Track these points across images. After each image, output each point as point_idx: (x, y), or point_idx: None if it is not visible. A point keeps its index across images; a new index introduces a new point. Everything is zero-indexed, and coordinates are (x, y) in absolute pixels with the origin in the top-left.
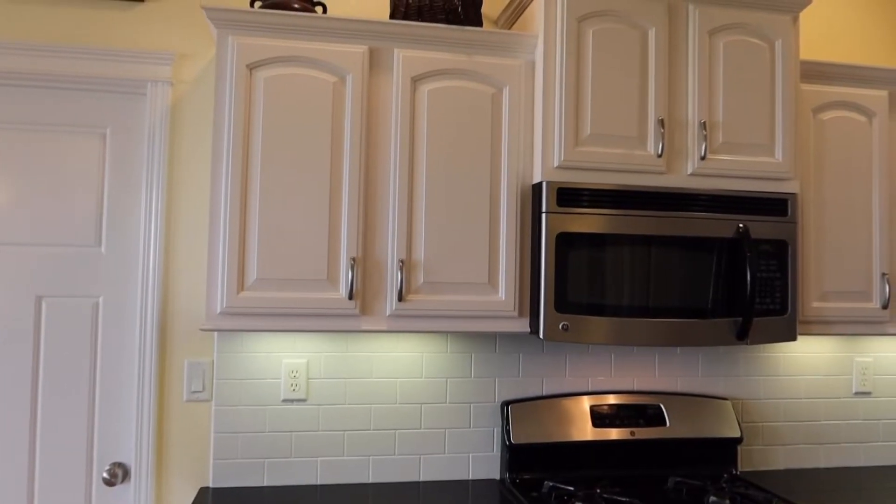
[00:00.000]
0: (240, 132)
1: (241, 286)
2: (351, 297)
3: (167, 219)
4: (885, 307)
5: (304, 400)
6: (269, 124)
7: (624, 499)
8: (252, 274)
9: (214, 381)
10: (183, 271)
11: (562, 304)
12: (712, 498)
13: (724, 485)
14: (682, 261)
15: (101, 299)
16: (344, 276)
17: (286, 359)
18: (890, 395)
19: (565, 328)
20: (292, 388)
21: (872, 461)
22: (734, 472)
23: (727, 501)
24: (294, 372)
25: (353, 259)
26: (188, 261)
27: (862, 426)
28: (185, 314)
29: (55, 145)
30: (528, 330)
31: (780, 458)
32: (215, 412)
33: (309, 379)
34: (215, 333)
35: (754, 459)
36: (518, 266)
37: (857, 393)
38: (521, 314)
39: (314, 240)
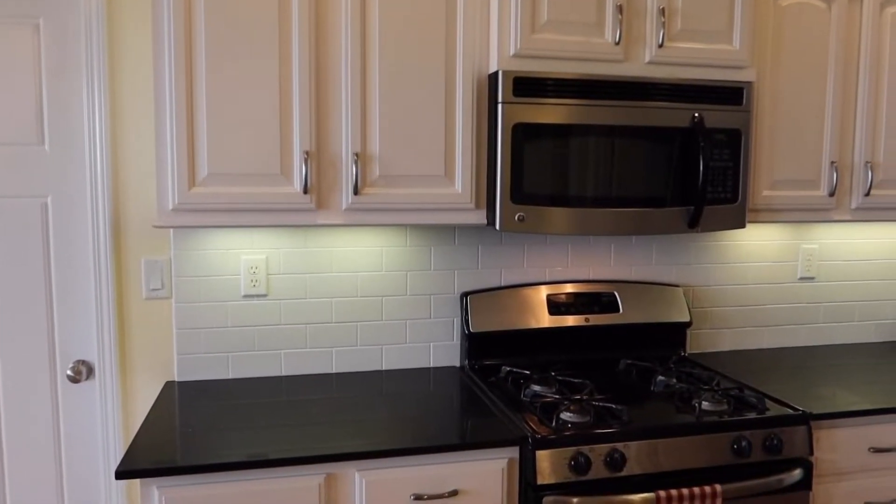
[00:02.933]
0: (181, 21)
1: (192, 182)
2: (306, 191)
3: (111, 113)
4: (831, 195)
5: (264, 295)
6: (211, 10)
7: (577, 380)
8: (203, 169)
9: (173, 278)
10: (133, 167)
11: (518, 195)
12: (660, 378)
13: (671, 365)
14: (638, 151)
15: (48, 199)
16: (298, 170)
17: (245, 255)
18: (832, 279)
19: (521, 219)
20: (252, 284)
21: (812, 341)
22: (682, 353)
23: (674, 380)
24: (253, 268)
25: (307, 153)
26: (137, 156)
27: (804, 309)
28: (138, 212)
29: None
30: (485, 222)
31: (726, 341)
32: (176, 309)
33: (269, 275)
34: (171, 231)
35: (702, 342)
36: (474, 158)
37: (801, 278)
38: (477, 206)
39: (265, 134)
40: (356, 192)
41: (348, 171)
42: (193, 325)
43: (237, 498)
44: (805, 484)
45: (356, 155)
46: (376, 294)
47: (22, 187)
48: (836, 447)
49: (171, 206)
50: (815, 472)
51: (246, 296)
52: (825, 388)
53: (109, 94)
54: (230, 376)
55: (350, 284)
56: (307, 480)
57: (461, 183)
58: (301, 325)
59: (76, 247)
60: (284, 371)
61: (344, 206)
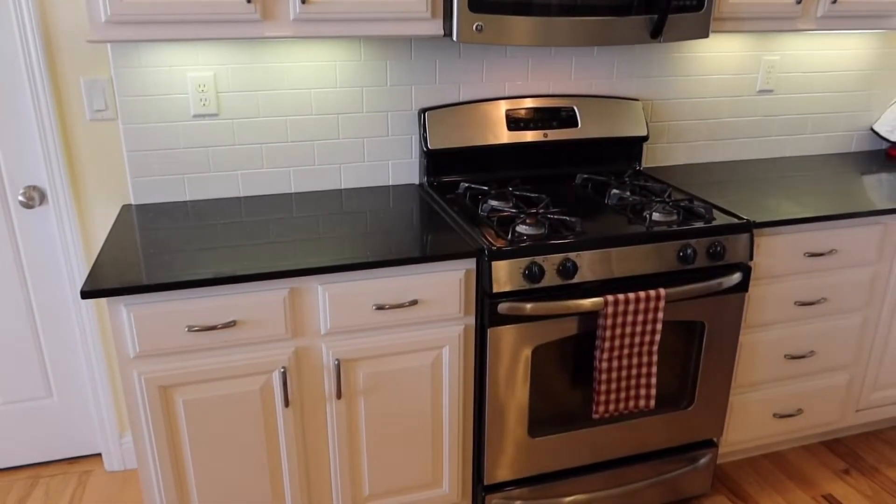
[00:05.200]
0: None
1: None
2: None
3: None
4: (798, 2)
5: (215, 115)
6: None
7: (534, 195)
8: None
9: (117, 98)
10: None
11: (476, 3)
12: (614, 191)
13: (626, 179)
14: None
15: None
16: None
17: (191, 72)
18: (790, 91)
19: (479, 29)
20: (202, 103)
21: (763, 154)
22: (637, 167)
23: (627, 193)
24: (201, 86)
25: None
26: None
27: (759, 122)
28: (70, 25)
29: None
30: (442, 33)
31: (681, 154)
32: (124, 130)
33: (218, 93)
34: (108, 47)
35: (658, 156)
36: None
37: (760, 91)
38: (433, 15)
39: None
40: (304, 0)
41: None
42: (144, 147)
43: (203, 313)
44: (742, 286)
45: None
46: (331, 112)
47: None
48: (775, 252)
49: (103, 18)
50: (752, 276)
51: (196, 115)
52: (771, 199)
53: None
54: (188, 198)
55: (304, 102)
56: (272, 295)
57: None
58: (256, 145)
59: (7, 66)
60: (242, 192)
61: (292, 17)
